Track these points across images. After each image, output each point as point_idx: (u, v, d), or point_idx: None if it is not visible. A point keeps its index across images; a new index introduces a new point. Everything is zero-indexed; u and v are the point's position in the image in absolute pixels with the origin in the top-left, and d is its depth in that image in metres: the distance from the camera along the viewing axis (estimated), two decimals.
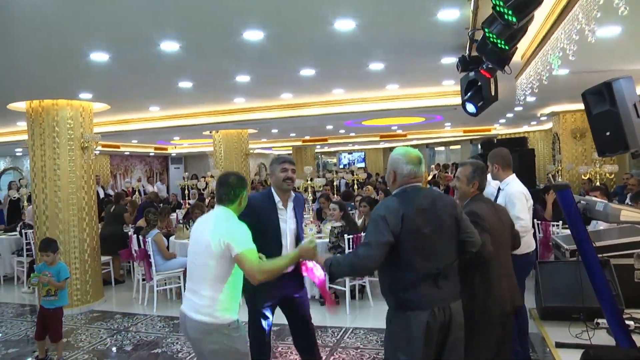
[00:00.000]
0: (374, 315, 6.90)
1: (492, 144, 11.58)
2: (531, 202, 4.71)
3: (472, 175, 3.76)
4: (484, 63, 4.81)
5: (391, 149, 31.57)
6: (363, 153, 30.76)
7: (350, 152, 31.49)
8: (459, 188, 3.93)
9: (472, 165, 3.80)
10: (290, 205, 4.20)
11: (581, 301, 5.22)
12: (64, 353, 5.68)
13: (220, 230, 3.19)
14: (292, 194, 4.24)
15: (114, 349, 6.06)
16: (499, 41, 3.63)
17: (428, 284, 2.96)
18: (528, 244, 4.65)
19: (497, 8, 3.08)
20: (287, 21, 4.65)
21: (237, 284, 3.28)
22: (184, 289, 7.68)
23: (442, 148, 28.83)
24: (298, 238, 4.21)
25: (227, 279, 3.21)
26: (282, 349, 5.79)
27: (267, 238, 3.83)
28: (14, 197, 12.24)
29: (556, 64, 4.19)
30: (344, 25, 4.71)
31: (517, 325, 4.54)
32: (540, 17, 4.51)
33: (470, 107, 5.23)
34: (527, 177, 11.21)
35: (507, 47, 3.70)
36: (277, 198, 4.12)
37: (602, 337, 4.73)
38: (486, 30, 3.62)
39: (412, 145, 27.62)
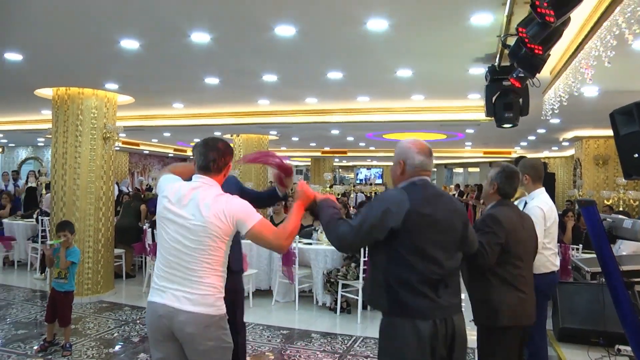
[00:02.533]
0: None
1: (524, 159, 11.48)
2: (552, 220, 4.40)
3: (495, 175, 3.63)
4: (514, 72, 4.73)
5: None
6: (381, 169, 30.68)
7: (368, 167, 31.42)
8: (483, 188, 3.84)
9: (500, 167, 3.68)
10: None
11: (602, 325, 5.10)
12: (71, 339, 5.63)
13: (219, 205, 2.76)
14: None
15: (120, 339, 6.00)
16: (533, 44, 3.56)
17: (427, 290, 2.60)
18: (547, 264, 4.29)
19: (535, 6, 3.00)
20: (320, 17, 4.61)
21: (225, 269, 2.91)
22: None
23: (461, 169, 28.68)
24: None
25: (226, 262, 2.87)
26: (290, 352, 5.70)
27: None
28: (32, 184, 12.35)
29: (589, 73, 4.11)
30: (377, 24, 4.66)
31: (529, 347, 4.18)
32: (574, 27, 4.43)
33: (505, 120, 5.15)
34: None
35: (541, 51, 3.62)
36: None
37: None
38: (521, 32, 3.55)
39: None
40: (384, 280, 2.67)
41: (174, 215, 2.80)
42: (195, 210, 2.76)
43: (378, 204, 2.69)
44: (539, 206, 4.23)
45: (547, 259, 4.28)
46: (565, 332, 5.60)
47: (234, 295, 3.82)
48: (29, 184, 13.38)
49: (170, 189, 2.90)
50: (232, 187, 3.73)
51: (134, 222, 9.73)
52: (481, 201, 10.59)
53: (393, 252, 2.63)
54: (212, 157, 2.90)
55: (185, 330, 2.72)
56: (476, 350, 3.70)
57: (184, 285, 2.74)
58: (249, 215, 2.79)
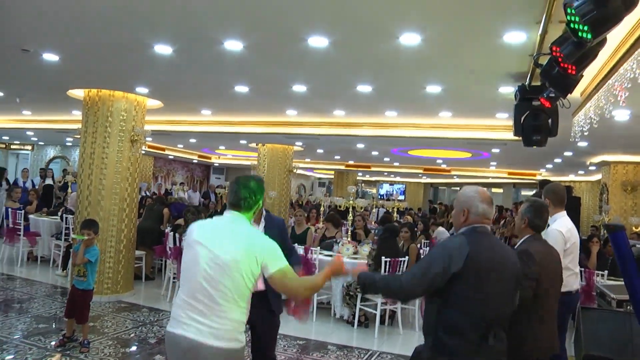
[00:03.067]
0: (403, 342, 6.73)
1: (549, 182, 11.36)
2: (572, 242, 4.54)
3: (525, 210, 3.75)
4: (545, 92, 4.69)
5: (432, 184, 31.57)
6: (403, 185, 30.54)
7: (391, 183, 31.30)
8: (516, 222, 3.95)
9: (529, 202, 3.83)
10: (262, 224, 4.03)
11: (629, 354, 4.97)
12: (89, 336, 5.68)
13: (254, 246, 2.80)
14: (264, 215, 4.07)
15: (137, 339, 6.04)
16: (567, 63, 3.52)
17: (476, 335, 2.68)
18: (567, 284, 4.37)
19: (572, 25, 2.96)
20: (353, 29, 4.63)
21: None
22: None
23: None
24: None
25: (249, 298, 2.86)
26: None
27: None
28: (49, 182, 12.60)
29: (623, 95, 4.05)
30: (410, 39, 4.67)
31: None
32: (609, 48, 4.38)
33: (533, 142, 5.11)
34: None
35: (575, 71, 3.58)
36: None
37: None
38: (555, 51, 3.52)
39: (453, 183, 27.43)
40: (435, 319, 2.78)
41: (204, 248, 2.81)
42: (225, 246, 2.79)
43: (440, 251, 2.82)
44: (558, 229, 4.42)
45: (568, 279, 4.41)
46: (589, 359, 5.46)
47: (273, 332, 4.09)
48: (46, 182, 13.72)
49: (205, 221, 3.00)
50: (275, 229, 3.92)
51: (155, 225, 9.80)
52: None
53: (448, 295, 2.73)
54: (243, 195, 2.96)
55: None
56: None
57: (208, 318, 2.72)
58: (277, 260, 2.83)
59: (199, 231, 2.91)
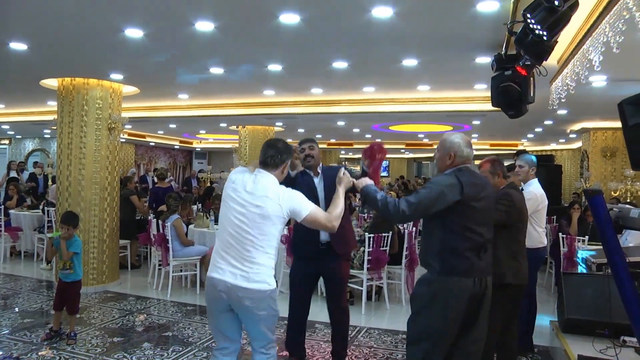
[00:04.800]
0: (390, 317, 6.79)
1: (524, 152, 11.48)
2: (543, 205, 5.32)
3: (492, 169, 4.31)
4: (521, 60, 4.67)
5: (415, 159, 31.59)
6: (387, 162, 30.58)
7: None
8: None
9: (488, 161, 4.40)
10: (320, 174, 4.66)
11: (608, 316, 5.05)
12: (76, 328, 5.64)
13: (277, 196, 3.22)
14: (320, 166, 4.73)
15: (125, 328, 6.02)
16: (540, 30, 3.51)
17: (473, 253, 3.23)
18: (539, 240, 5.25)
19: None
20: (324, 4, 4.56)
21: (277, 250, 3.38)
22: (200, 277, 7.74)
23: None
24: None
25: (277, 245, 3.31)
26: None
27: None
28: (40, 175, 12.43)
29: (597, 59, 4.04)
30: (382, 12, 4.61)
31: (527, 305, 5.30)
32: (583, 12, 4.37)
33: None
34: (553, 193, 11.05)
35: (548, 37, 3.56)
36: (309, 172, 4.68)
37: (630, 356, 4.55)
38: (527, 17, 3.50)
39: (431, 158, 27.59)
40: (438, 247, 3.27)
41: (234, 201, 3.28)
42: (253, 198, 3.22)
43: (434, 186, 3.27)
44: (534, 192, 5.19)
45: (540, 236, 5.24)
46: (571, 323, 5.54)
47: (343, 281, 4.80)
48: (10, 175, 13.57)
49: (237, 177, 3.38)
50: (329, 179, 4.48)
51: (128, 215, 9.32)
52: None
53: (449, 224, 3.25)
54: (269, 153, 3.36)
55: (243, 304, 3.20)
56: None
57: (240, 263, 3.20)
58: (304, 206, 3.28)
59: (231, 187, 3.35)
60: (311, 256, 4.63)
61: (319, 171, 4.68)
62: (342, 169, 3.76)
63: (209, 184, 14.30)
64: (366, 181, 3.57)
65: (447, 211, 3.20)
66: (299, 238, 4.78)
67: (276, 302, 3.35)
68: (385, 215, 3.40)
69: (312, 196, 4.19)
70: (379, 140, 18.17)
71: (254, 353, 3.44)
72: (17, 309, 6.69)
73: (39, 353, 5.14)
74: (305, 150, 4.64)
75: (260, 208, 3.18)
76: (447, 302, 3.20)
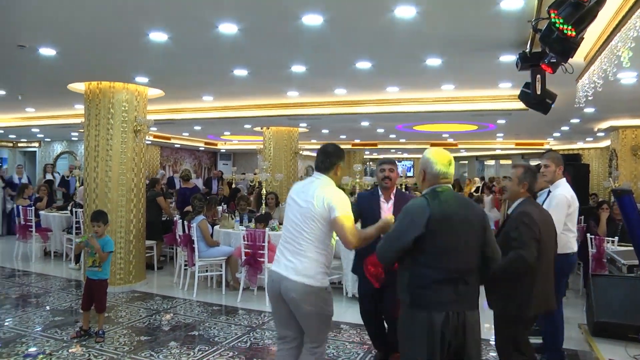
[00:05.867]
0: None
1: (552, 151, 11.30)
2: (575, 207, 4.78)
3: (523, 176, 3.96)
4: (546, 57, 4.62)
5: None
6: (411, 162, 30.45)
7: (399, 160, 31.21)
8: (509, 188, 4.12)
9: (524, 167, 4.05)
10: (392, 200, 4.69)
11: None
12: (104, 326, 5.74)
13: (322, 193, 3.44)
14: (394, 191, 4.77)
15: (152, 327, 6.10)
16: (565, 26, 3.46)
17: (447, 286, 2.92)
18: (569, 245, 4.73)
19: None
20: (346, 5, 4.57)
21: (331, 251, 3.54)
22: (226, 277, 7.80)
23: (492, 162, 28.23)
24: None
25: (328, 243, 3.48)
26: None
27: (367, 224, 4.00)
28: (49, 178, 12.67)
29: (626, 56, 3.97)
30: (405, 12, 4.60)
31: (547, 329, 4.82)
32: (611, 8, 4.29)
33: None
34: (580, 193, 10.83)
35: (574, 33, 3.51)
36: (379, 193, 4.76)
37: None
38: (552, 14, 3.46)
39: (461, 157, 27.31)
40: (408, 278, 3.01)
41: (293, 201, 3.60)
42: (306, 196, 3.50)
43: (403, 217, 3.05)
44: (564, 194, 4.69)
45: (569, 240, 4.72)
46: (601, 326, 5.44)
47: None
48: (46, 177, 13.84)
49: (301, 181, 3.79)
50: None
51: (154, 216, 9.43)
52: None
53: (418, 254, 2.95)
54: (320, 158, 3.65)
55: (289, 295, 3.41)
56: (494, 337, 4.11)
57: (292, 257, 3.46)
58: (338, 207, 3.39)
59: (292, 190, 3.71)
60: None
61: (392, 197, 4.72)
62: (389, 214, 4.07)
63: (233, 185, 14.34)
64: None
65: (415, 241, 2.93)
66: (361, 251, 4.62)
67: (327, 302, 3.49)
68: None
69: (372, 217, 4.20)
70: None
71: (304, 347, 3.61)
72: (48, 307, 6.85)
73: (70, 350, 5.26)
74: (385, 171, 4.72)
75: (310, 207, 3.44)
76: (420, 339, 2.93)
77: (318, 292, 3.41)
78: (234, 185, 14.33)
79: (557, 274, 4.04)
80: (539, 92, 4.95)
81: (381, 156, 30.97)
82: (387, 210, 4.63)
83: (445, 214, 2.94)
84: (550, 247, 3.87)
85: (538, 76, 4.86)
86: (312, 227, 3.42)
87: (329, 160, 3.61)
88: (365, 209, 4.68)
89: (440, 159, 3.10)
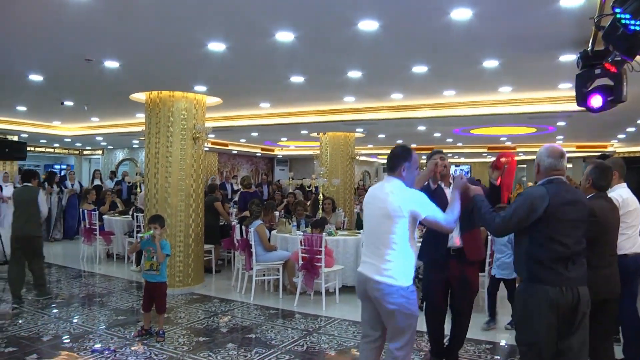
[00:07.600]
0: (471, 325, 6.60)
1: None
2: (630, 208, 4.81)
3: (590, 171, 4.29)
4: (610, 56, 4.46)
5: None
6: (469, 166, 29.95)
7: (457, 164, 30.74)
8: (581, 183, 4.50)
9: (594, 163, 4.36)
10: (451, 185, 4.65)
11: None
12: (164, 327, 5.91)
13: (399, 198, 3.54)
14: (452, 178, 4.79)
15: (210, 329, 6.23)
16: (632, 22, 3.32)
17: (559, 264, 3.32)
18: (625, 245, 4.73)
19: None
20: (402, 9, 4.55)
21: (412, 250, 3.63)
22: (283, 281, 7.88)
23: None
24: None
25: (407, 244, 3.57)
26: None
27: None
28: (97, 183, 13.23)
29: None
30: (461, 14, 4.56)
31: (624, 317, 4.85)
32: None
33: (597, 101, 4.87)
34: None
35: None
36: (432, 185, 4.82)
37: None
38: (617, 11, 3.33)
39: (520, 160, 26.63)
40: (525, 257, 3.45)
41: (370, 205, 3.77)
42: (380, 199, 3.64)
43: (524, 200, 3.42)
44: (614, 197, 4.70)
45: (627, 241, 4.75)
46: None
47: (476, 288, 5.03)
48: (94, 183, 14.38)
49: (373, 185, 3.96)
50: None
51: (213, 220, 9.65)
52: None
53: (534, 235, 3.39)
54: (388, 160, 3.77)
55: (374, 295, 3.59)
56: None
57: (375, 259, 3.63)
58: (424, 208, 3.57)
59: (368, 192, 3.90)
60: (441, 262, 4.72)
61: (451, 181, 4.80)
62: (462, 173, 4.04)
63: (290, 190, 14.45)
64: (478, 190, 3.89)
65: (534, 222, 3.35)
66: (428, 243, 4.85)
67: (410, 301, 3.56)
68: (483, 226, 3.69)
69: (443, 205, 4.21)
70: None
71: (388, 347, 3.72)
72: (111, 307, 7.13)
73: (132, 348, 5.46)
74: (437, 159, 4.78)
75: (384, 208, 3.57)
76: (536, 310, 3.33)
77: (399, 290, 3.52)
78: (290, 190, 14.43)
79: (622, 272, 4.23)
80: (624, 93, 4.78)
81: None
82: (449, 194, 4.58)
83: (560, 201, 3.34)
84: (605, 238, 4.11)
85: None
86: (390, 231, 3.54)
87: (395, 160, 3.72)
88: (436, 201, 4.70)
89: (552, 153, 3.52)
